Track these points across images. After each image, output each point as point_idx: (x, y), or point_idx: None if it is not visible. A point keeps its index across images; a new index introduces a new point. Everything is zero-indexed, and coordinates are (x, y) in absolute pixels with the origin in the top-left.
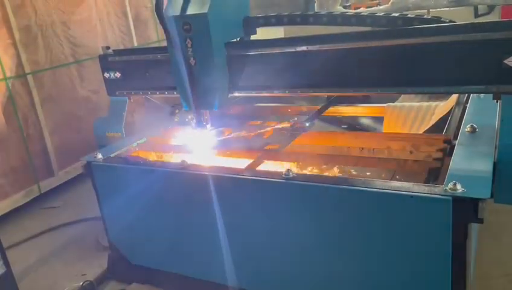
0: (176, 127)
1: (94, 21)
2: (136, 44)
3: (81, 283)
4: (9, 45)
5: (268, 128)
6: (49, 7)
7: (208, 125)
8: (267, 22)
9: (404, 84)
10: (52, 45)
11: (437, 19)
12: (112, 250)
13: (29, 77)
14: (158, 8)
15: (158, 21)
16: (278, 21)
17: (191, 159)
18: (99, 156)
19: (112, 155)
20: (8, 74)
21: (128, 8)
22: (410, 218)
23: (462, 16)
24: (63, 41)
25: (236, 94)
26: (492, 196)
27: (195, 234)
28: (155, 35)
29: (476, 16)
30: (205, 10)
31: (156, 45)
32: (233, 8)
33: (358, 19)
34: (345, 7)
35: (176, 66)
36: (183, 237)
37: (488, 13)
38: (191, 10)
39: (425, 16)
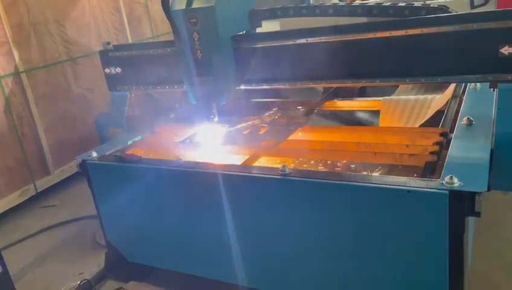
0: (171, 124)
1: (87, 18)
2: (130, 41)
3: (78, 282)
4: (1, 43)
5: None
6: (42, 4)
7: (215, 119)
8: (273, 14)
9: (402, 74)
10: (46, 43)
11: (444, 8)
12: (109, 248)
13: (23, 76)
14: (164, 2)
15: (150, 18)
16: (283, 13)
17: (187, 157)
18: (94, 154)
19: (107, 153)
20: (1, 73)
21: (121, 5)
22: (407, 212)
23: (459, 7)
24: (57, 39)
25: (243, 87)
26: (489, 189)
27: (192, 231)
28: (149, 32)
29: (472, 6)
30: (212, 3)
31: (151, 41)
32: (239, 1)
33: (365, 10)
34: (340, 0)
35: (182, 59)
36: (180, 235)
37: (484, 4)
38: (197, 3)
39: (431, 5)
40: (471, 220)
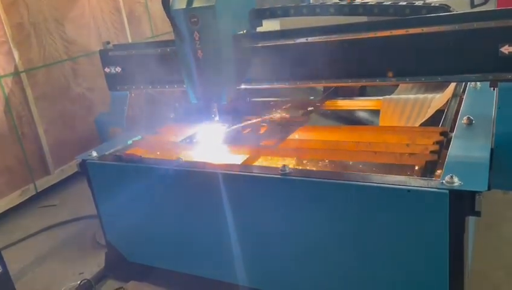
0: (172, 123)
1: (87, 18)
2: (130, 40)
3: (78, 282)
4: (1, 43)
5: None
6: (42, 4)
7: (216, 118)
8: (273, 13)
9: (402, 74)
10: (46, 43)
11: (445, 7)
12: (109, 248)
13: (23, 75)
14: (165, 1)
15: (150, 17)
16: (284, 13)
17: (187, 156)
18: (94, 154)
19: (106, 153)
20: (1, 73)
21: (121, 4)
22: (407, 212)
23: (459, 6)
24: (56, 39)
25: (243, 86)
26: (489, 189)
27: (192, 231)
28: (149, 31)
29: (472, 6)
30: (213, 3)
31: (151, 40)
32: (240, 0)
33: (365, 9)
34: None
35: (183, 59)
36: (180, 234)
37: (484, 3)
38: (198, 3)
39: (432, 4)
40: (471, 220)
